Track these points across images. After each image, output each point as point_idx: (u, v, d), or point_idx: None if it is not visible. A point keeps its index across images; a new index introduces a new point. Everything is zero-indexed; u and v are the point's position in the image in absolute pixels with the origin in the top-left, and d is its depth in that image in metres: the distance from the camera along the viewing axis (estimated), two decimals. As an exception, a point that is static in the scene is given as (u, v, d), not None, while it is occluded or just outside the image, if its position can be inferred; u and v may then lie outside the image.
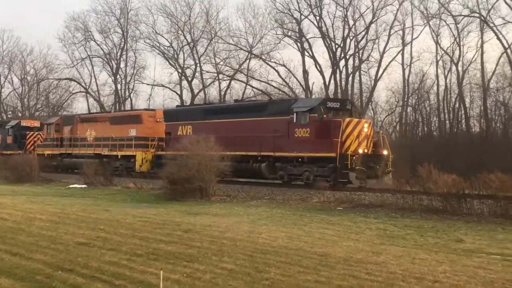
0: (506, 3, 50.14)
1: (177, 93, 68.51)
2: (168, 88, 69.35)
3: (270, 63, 62.03)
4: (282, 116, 30.88)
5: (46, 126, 50.64)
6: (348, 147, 28.49)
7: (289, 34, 61.07)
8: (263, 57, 62.20)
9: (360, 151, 28.41)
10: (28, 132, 52.80)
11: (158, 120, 40.43)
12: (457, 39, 54.37)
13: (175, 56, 68.39)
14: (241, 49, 63.32)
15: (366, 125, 29.40)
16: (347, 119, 29.15)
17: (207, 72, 66.59)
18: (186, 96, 67.70)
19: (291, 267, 12.44)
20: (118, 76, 73.41)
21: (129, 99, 73.70)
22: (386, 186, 27.38)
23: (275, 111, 31.69)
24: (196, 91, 66.89)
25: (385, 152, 29.22)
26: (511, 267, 12.53)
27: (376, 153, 29.27)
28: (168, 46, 68.62)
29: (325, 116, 29.48)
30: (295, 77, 61.77)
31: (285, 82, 61.66)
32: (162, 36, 68.96)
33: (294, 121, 30.12)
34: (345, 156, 27.91)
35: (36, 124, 54.99)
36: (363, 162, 27.94)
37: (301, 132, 29.91)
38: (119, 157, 41.45)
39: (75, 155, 45.97)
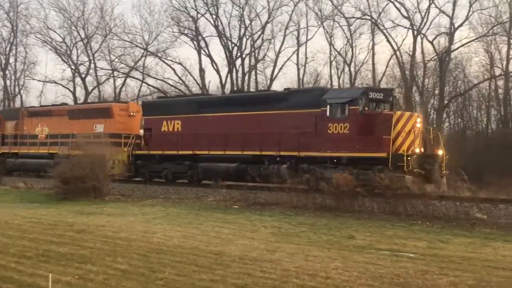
0: (395, 7, 51.97)
1: (70, 90, 66.65)
2: (61, 85, 67.37)
3: (166, 61, 61.46)
4: (307, 109, 25.81)
5: None
6: (400, 146, 23.73)
7: (186, 32, 60.75)
8: (159, 54, 61.61)
9: (417, 150, 23.97)
10: None
11: (132, 113, 35.30)
12: (350, 40, 55.81)
13: (68, 52, 66.56)
14: (136, 46, 62.44)
15: (418, 120, 24.65)
16: (398, 113, 24.70)
17: (102, 69, 65.18)
18: (80, 93, 66.05)
19: (186, 267, 12.39)
20: (7, 72, 70.76)
21: (19, 95, 71.16)
22: (442, 192, 23.10)
23: (297, 103, 26.40)
24: (90, 88, 65.47)
25: (440, 152, 24.38)
26: (399, 262, 12.97)
27: (432, 153, 24.72)
28: (60, 42, 66.66)
29: (367, 108, 25.04)
30: (192, 76, 61.55)
31: (182, 80, 61.31)
32: (54, 31, 66.90)
33: (328, 114, 24.93)
34: (398, 156, 23.01)
35: None
36: (419, 163, 23.28)
37: (337, 127, 24.82)
38: None
39: (22, 155, 39.24)
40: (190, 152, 29.85)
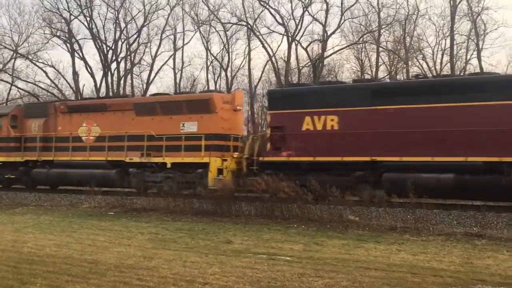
0: (271, 13, 52.85)
1: None
2: None
3: (37, 63, 59.36)
4: None
5: None
6: None
7: (58, 34, 58.91)
8: (30, 56, 59.38)
9: None
10: None
11: (237, 107, 26.57)
12: (226, 45, 56.26)
13: None
14: (5, 47, 59.90)
15: None
16: None
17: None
18: None
19: (59, 277, 11.94)
20: None
21: None
22: None
23: None
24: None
25: None
26: (276, 266, 13.11)
27: None
28: None
29: None
30: (65, 79, 59.75)
31: (54, 83, 59.44)
32: None
33: None
34: None
35: None
36: None
37: None
38: (168, 165, 26.13)
39: (59, 164, 29.60)
40: (366, 159, 22.28)
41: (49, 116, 30.63)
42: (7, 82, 60.84)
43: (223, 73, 57.10)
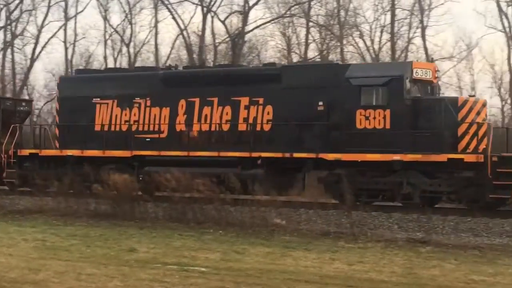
0: (182, -22, 52.50)
1: None
2: None
3: None
4: None
5: None
6: None
7: None
8: None
9: None
10: None
11: None
12: (129, 16, 55.64)
13: None
14: None
15: None
16: None
17: None
18: None
19: None
20: None
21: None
22: None
23: None
24: None
25: None
26: (189, 278, 13.07)
27: None
28: None
29: None
30: None
31: None
32: None
33: None
34: None
35: None
36: None
37: None
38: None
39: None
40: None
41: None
42: None
43: (124, 49, 56.47)
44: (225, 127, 25.12)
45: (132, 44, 56.09)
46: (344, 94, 22.84)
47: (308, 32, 51.29)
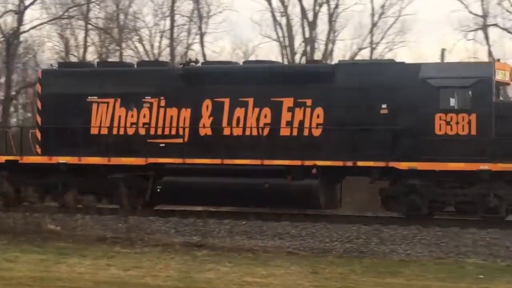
0: None
1: None
2: None
3: None
4: None
5: None
6: None
7: None
8: None
9: None
10: None
11: None
12: None
13: None
14: None
15: None
16: None
17: None
18: None
19: None
20: None
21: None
22: None
23: None
24: None
25: None
26: None
27: None
28: None
29: None
30: None
31: None
32: None
33: None
34: None
35: None
36: None
37: None
38: None
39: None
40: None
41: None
42: None
43: None
44: (264, 132, 22.39)
45: None
46: (419, 96, 20.83)
47: (86, 35, 50.59)
